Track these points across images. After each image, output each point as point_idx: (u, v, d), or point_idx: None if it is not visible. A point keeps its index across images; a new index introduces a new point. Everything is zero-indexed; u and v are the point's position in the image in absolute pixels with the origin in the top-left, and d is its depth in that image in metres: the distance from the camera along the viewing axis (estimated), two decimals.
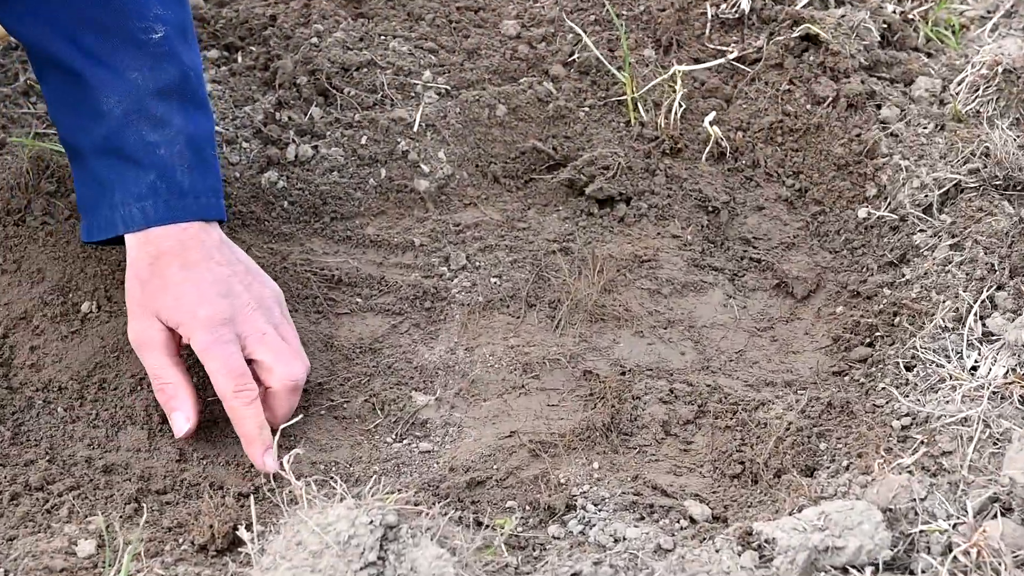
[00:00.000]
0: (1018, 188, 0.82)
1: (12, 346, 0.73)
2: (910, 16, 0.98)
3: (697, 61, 0.93)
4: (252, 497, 0.64)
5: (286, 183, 0.85)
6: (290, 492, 0.60)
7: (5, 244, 0.76)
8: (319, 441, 0.72)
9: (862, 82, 0.90)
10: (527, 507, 0.66)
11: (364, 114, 0.88)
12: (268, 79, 0.91)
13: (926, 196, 0.83)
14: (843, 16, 0.93)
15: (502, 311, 0.80)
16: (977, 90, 0.88)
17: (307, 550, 0.54)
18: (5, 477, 0.66)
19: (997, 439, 0.65)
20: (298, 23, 0.94)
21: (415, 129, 0.87)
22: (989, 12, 1.02)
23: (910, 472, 0.63)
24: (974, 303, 0.74)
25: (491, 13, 0.96)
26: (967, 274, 0.76)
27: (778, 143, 0.90)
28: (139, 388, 0.72)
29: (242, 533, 0.58)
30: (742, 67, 0.93)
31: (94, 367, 0.73)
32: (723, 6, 0.94)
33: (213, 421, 0.70)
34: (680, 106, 0.89)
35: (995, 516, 0.60)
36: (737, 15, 0.94)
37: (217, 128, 0.85)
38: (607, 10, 0.94)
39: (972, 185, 0.82)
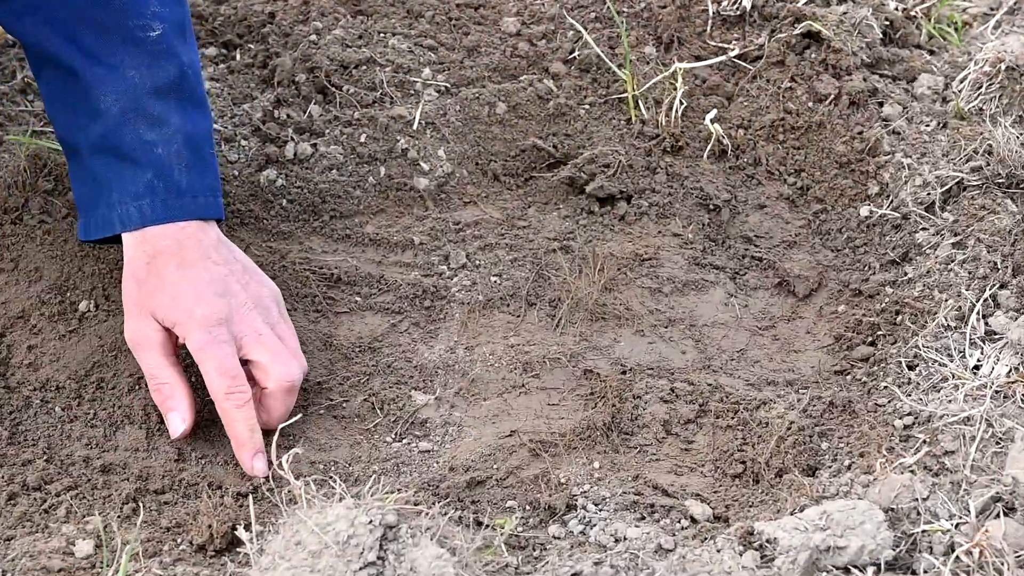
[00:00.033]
0: (1021, 186, 0.81)
1: (9, 345, 0.73)
2: (912, 13, 0.97)
3: (698, 58, 0.93)
4: (251, 497, 0.64)
5: (285, 181, 0.84)
6: (289, 492, 0.60)
7: (2, 243, 0.76)
8: (318, 440, 0.71)
9: (864, 79, 0.90)
10: (527, 507, 0.66)
11: (363, 112, 0.87)
12: (267, 77, 0.90)
13: (928, 194, 0.83)
14: (845, 13, 0.92)
15: (502, 310, 0.79)
16: (980, 87, 0.87)
17: (306, 550, 0.53)
18: (2, 477, 0.66)
19: (1000, 438, 0.65)
20: (297, 20, 0.93)
21: (415, 127, 0.87)
22: (992, 9, 1.02)
23: (912, 472, 0.63)
24: (977, 302, 0.74)
25: (491, 10, 0.96)
26: (970, 272, 0.76)
27: (780, 141, 0.89)
28: (137, 387, 0.72)
29: (241, 533, 0.58)
30: (743, 64, 0.92)
31: (92, 366, 0.72)
32: (724, 3, 0.94)
33: (211, 420, 0.70)
34: (681, 104, 0.89)
35: (998, 516, 0.60)
36: (738, 12, 0.94)
37: (215, 126, 0.85)
38: (608, 7, 0.94)
39: (975, 183, 0.81)
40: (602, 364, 0.76)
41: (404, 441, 0.72)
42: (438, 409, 0.74)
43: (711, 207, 0.87)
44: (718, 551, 0.59)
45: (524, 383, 0.75)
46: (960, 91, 0.89)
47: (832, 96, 0.89)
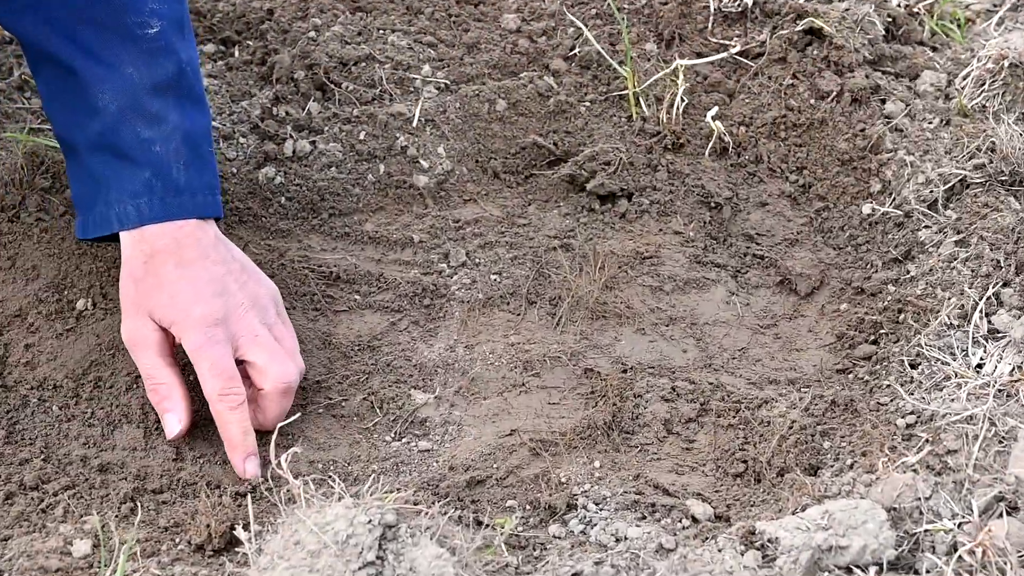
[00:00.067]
0: None
1: (7, 344, 0.72)
2: (915, 10, 0.97)
3: (699, 55, 0.92)
4: (249, 496, 0.63)
5: (284, 179, 0.84)
6: (288, 491, 0.59)
7: None
8: (317, 440, 0.71)
9: (866, 76, 0.89)
10: (527, 506, 0.66)
11: (362, 109, 0.87)
12: (265, 74, 0.90)
13: (931, 192, 0.82)
14: (847, 10, 0.92)
15: (502, 308, 0.79)
16: (983, 84, 0.87)
17: (305, 550, 0.53)
18: (0, 476, 0.66)
19: (1003, 437, 0.64)
20: (296, 17, 0.93)
21: (414, 124, 0.87)
22: (995, 5, 1.01)
23: (915, 471, 0.63)
24: (980, 300, 0.73)
25: (491, 7, 0.96)
26: (972, 271, 0.76)
27: (781, 138, 0.89)
28: (135, 386, 0.71)
29: (239, 533, 0.58)
30: (745, 61, 0.92)
31: (89, 365, 0.72)
32: (725, 0, 0.93)
33: (210, 420, 0.70)
34: (682, 101, 0.88)
35: (1000, 515, 0.60)
36: (740, 9, 0.93)
37: (214, 123, 0.84)
38: (608, 4, 0.93)
39: (978, 181, 0.81)
40: (603, 363, 0.76)
41: (403, 440, 0.72)
42: (438, 408, 0.73)
43: (712, 205, 0.86)
44: (719, 551, 0.58)
45: (524, 382, 0.74)
46: (963, 88, 0.88)
47: (834, 93, 0.88)
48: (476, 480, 0.67)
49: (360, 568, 0.53)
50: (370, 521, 0.54)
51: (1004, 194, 0.80)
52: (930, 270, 0.77)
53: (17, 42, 0.88)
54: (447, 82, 0.89)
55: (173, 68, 0.70)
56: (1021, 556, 0.57)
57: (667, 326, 0.79)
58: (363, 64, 0.90)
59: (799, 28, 0.91)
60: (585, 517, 0.65)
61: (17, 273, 0.75)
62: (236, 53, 0.92)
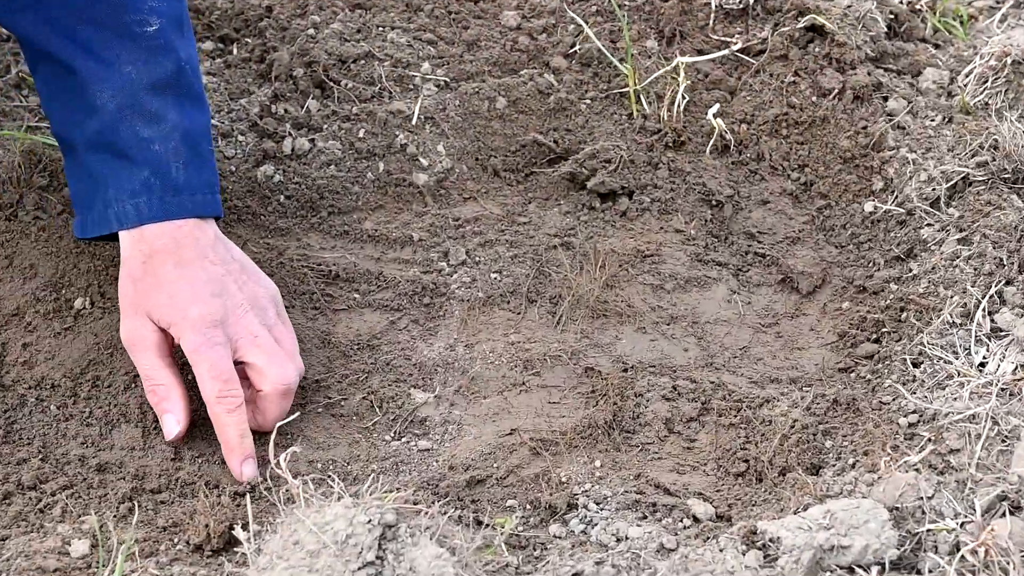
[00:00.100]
0: None
1: (4, 343, 0.72)
2: (917, 6, 0.96)
3: (700, 52, 0.92)
4: (248, 496, 0.63)
5: (282, 177, 0.84)
6: (287, 491, 0.59)
7: None
8: (316, 439, 0.71)
9: (868, 74, 0.89)
10: (528, 506, 0.66)
11: (362, 107, 0.87)
12: (264, 71, 0.89)
13: (933, 190, 0.82)
14: (849, 6, 0.91)
15: (502, 307, 0.79)
16: (986, 82, 0.86)
17: (304, 550, 0.53)
18: None
19: (1006, 436, 0.64)
20: (294, 14, 0.92)
21: (414, 122, 0.86)
22: (998, 2, 1.01)
23: (917, 470, 0.62)
24: (982, 298, 0.73)
25: (491, 4, 0.95)
26: (975, 269, 0.75)
27: (783, 136, 0.89)
28: (133, 385, 0.71)
29: (238, 532, 0.57)
30: (746, 58, 0.91)
31: (87, 364, 0.72)
32: None
33: (208, 420, 0.69)
34: (683, 98, 0.88)
35: (1003, 515, 0.59)
36: (741, 5, 0.93)
37: (212, 121, 0.84)
38: (609, 1, 0.93)
39: (980, 178, 0.81)
40: (603, 362, 0.75)
41: (403, 440, 0.71)
42: (438, 407, 0.73)
43: (714, 203, 0.86)
44: (721, 550, 0.58)
45: (524, 381, 0.74)
46: (965, 85, 0.88)
47: (836, 90, 0.88)
48: (476, 480, 0.67)
49: (360, 568, 0.52)
50: (370, 521, 0.53)
51: (1007, 192, 0.80)
52: (932, 268, 0.77)
53: (14, 40, 0.88)
54: (447, 79, 0.89)
55: (172, 66, 0.69)
56: None
57: (668, 325, 0.78)
58: (362, 61, 0.89)
59: (801, 25, 0.90)
60: (586, 517, 0.64)
61: (15, 272, 0.74)
62: (234, 51, 0.91)
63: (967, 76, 0.88)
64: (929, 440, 0.65)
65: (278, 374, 0.68)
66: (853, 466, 0.66)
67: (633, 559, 0.59)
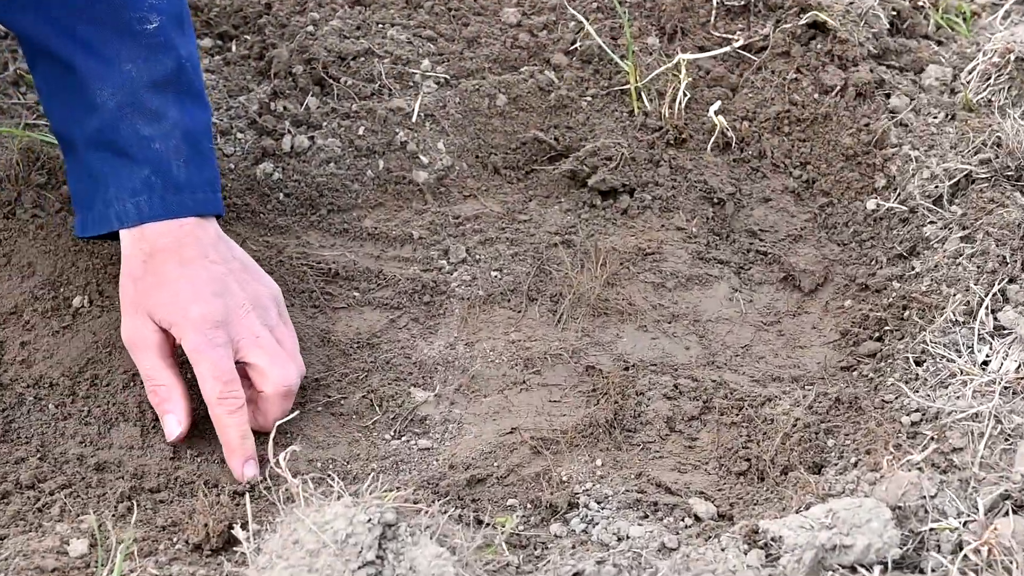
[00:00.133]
0: None
1: (2, 341, 0.72)
2: (920, 3, 0.96)
3: (702, 49, 0.91)
4: (247, 495, 0.63)
5: (282, 175, 0.83)
6: (286, 490, 0.59)
7: None
8: (316, 438, 0.71)
9: (871, 70, 0.89)
10: (528, 505, 0.66)
11: (361, 104, 0.86)
12: (263, 68, 0.89)
13: (936, 187, 0.81)
14: (851, 3, 0.91)
15: (503, 305, 0.78)
16: (989, 79, 0.86)
17: (304, 549, 0.53)
18: None
19: (1009, 435, 0.64)
20: (294, 11, 0.92)
21: (414, 119, 0.86)
22: None
23: (920, 469, 0.62)
24: (985, 296, 0.73)
25: (491, 0, 0.95)
26: (978, 267, 0.75)
27: (785, 133, 0.88)
28: (132, 384, 0.71)
29: (237, 532, 0.57)
30: (748, 55, 0.91)
31: (86, 363, 0.72)
32: None
33: (208, 419, 0.69)
34: (685, 95, 0.88)
35: (1007, 514, 0.59)
36: (743, 2, 0.93)
37: (211, 119, 0.83)
38: None
39: (983, 176, 0.80)
40: (604, 360, 0.75)
41: (403, 438, 0.71)
42: (438, 406, 0.73)
43: (715, 200, 0.86)
44: (722, 550, 0.58)
45: (525, 379, 0.74)
46: (968, 82, 0.87)
47: (838, 87, 0.88)
48: (476, 479, 0.67)
49: (360, 567, 0.52)
50: (369, 520, 0.53)
51: (1010, 189, 0.79)
52: (935, 266, 0.77)
53: (12, 37, 0.87)
54: (447, 77, 0.89)
55: (172, 64, 0.69)
56: None
57: (669, 323, 0.78)
58: (362, 59, 0.89)
59: (803, 22, 0.90)
60: (587, 516, 0.64)
61: (13, 270, 0.74)
62: (233, 48, 0.91)
63: (970, 73, 0.88)
64: (932, 439, 0.65)
65: (280, 375, 0.68)
66: (855, 465, 0.66)
67: (634, 558, 0.58)
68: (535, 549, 0.62)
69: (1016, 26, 0.93)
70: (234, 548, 0.61)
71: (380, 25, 0.92)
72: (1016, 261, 0.74)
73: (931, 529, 0.59)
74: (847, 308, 0.79)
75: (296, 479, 0.57)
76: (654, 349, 0.76)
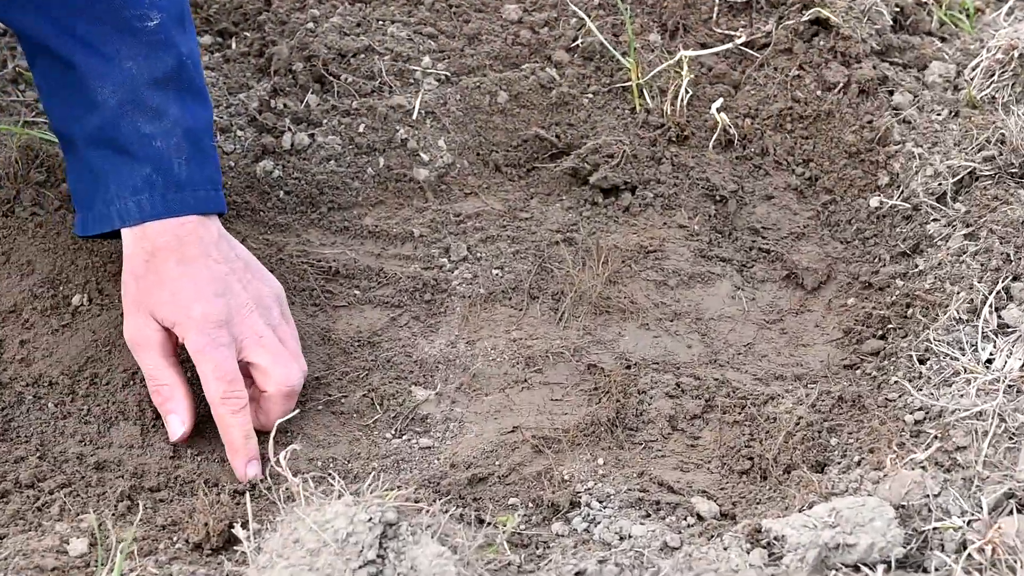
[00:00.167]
0: None
1: (1, 340, 0.72)
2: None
3: (704, 46, 0.91)
4: (248, 494, 0.63)
5: (282, 172, 0.83)
6: (287, 489, 0.59)
7: None
8: (316, 437, 0.70)
9: (874, 67, 0.88)
10: (530, 504, 0.65)
11: (362, 101, 0.86)
12: (263, 66, 0.89)
13: (940, 184, 0.81)
14: None
15: (504, 303, 0.78)
16: (992, 75, 0.86)
17: (304, 548, 0.53)
18: None
19: (1013, 434, 0.64)
20: (293, 8, 0.92)
21: (414, 117, 0.85)
22: None
23: (923, 468, 0.62)
24: (989, 294, 0.72)
25: None
26: (982, 264, 0.74)
27: (787, 130, 0.88)
28: (131, 383, 0.71)
29: (238, 531, 0.57)
30: (750, 52, 0.91)
31: (85, 361, 0.71)
32: None
33: (208, 417, 0.69)
34: (687, 92, 0.87)
35: (1011, 513, 0.59)
36: None
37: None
38: None
39: (987, 173, 0.80)
40: (606, 358, 0.75)
41: (404, 437, 0.71)
42: (439, 405, 0.72)
43: (717, 198, 0.85)
44: (725, 549, 0.57)
45: (526, 378, 0.74)
46: (972, 79, 0.87)
47: (841, 84, 0.87)
48: (478, 477, 0.67)
49: (360, 567, 0.52)
50: (370, 519, 0.53)
51: (1014, 186, 0.79)
52: (939, 264, 0.76)
53: (11, 34, 0.87)
54: (447, 74, 0.88)
55: (173, 61, 0.69)
56: None
57: (671, 321, 0.78)
58: (362, 56, 0.88)
59: (805, 18, 0.89)
60: (588, 515, 0.64)
61: (12, 268, 0.74)
62: (233, 45, 0.91)
63: (974, 70, 0.87)
64: (935, 437, 0.64)
65: (283, 375, 0.68)
66: (859, 464, 0.65)
67: (636, 558, 0.58)
68: (537, 548, 0.62)
69: (1020, 22, 0.92)
70: (234, 547, 0.60)
71: (380, 22, 0.92)
72: (1020, 259, 0.74)
73: (935, 528, 0.58)
74: (850, 306, 0.79)
75: (297, 478, 0.57)
76: (656, 347, 0.76)
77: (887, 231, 0.82)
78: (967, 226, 0.78)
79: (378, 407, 0.72)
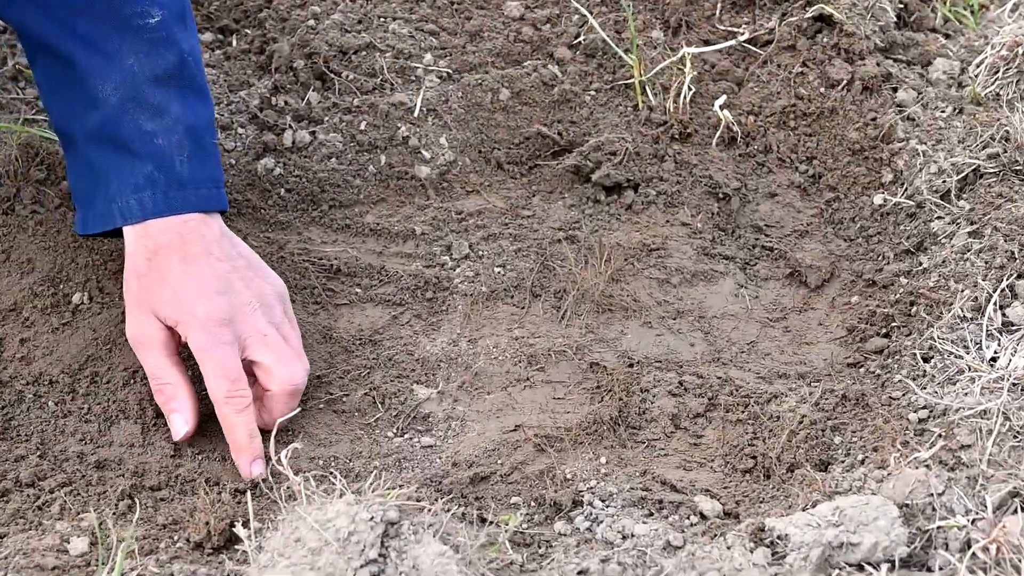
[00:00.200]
0: None
1: (1, 338, 0.71)
2: None
3: (707, 43, 0.91)
4: (249, 493, 0.63)
5: (283, 170, 0.83)
6: (288, 488, 0.58)
7: None
8: (318, 435, 0.70)
9: (877, 64, 0.88)
10: (532, 503, 0.65)
11: (363, 99, 0.85)
12: (264, 63, 0.88)
13: (944, 182, 0.81)
14: None
15: (506, 301, 0.78)
16: (997, 72, 0.85)
17: (306, 547, 0.52)
18: None
19: (1017, 432, 0.63)
20: (294, 5, 0.91)
21: (416, 114, 0.85)
22: None
23: (927, 466, 0.61)
24: (993, 292, 0.72)
25: None
26: (986, 262, 0.74)
27: (791, 128, 0.87)
28: (132, 381, 0.70)
29: (239, 530, 0.57)
30: (754, 49, 0.90)
31: (86, 360, 0.71)
32: None
33: (209, 416, 0.69)
34: (689, 89, 0.87)
35: (1015, 511, 0.59)
36: None
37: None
38: None
39: (991, 170, 0.80)
40: (609, 357, 0.75)
41: (406, 436, 0.71)
42: (441, 403, 0.72)
43: (720, 196, 0.85)
44: (728, 548, 0.57)
45: (529, 376, 0.73)
46: (976, 76, 0.87)
47: (845, 81, 0.87)
48: (480, 476, 0.67)
49: (362, 566, 0.52)
50: (372, 518, 0.53)
51: (1018, 184, 0.79)
52: (943, 262, 0.76)
53: (11, 31, 0.87)
54: (449, 71, 0.88)
55: (174, 58, 0.68)
56: None
57: (674, 319, 0.78)
58: (364, 53, 0.88)
59: (809, 15, 0.89)
60: (591, 514, 0.64)
61: (12, 266, 0.74)
62: (234, 42, 0.90)
63: (978, 66, 0.87)
64: (940, 436, 0.64)
65: (287, 374, 0.68)
66: (862, 462, 0.65)
67: (639, 557, 0.58)
68: (539, 547, 0.62)
69: None
70: (236, 546, 0.60)
71: (382, 19, 0.91)
72: None
73: (939, 527, 0.58)
74: (854, 304, 0.79)
75: (298, 477, 0.57)
76: (659, 346, 0.76)
77: (891, 229, 0.82)
78: (971, 224, 0.77)
79: (380, 406, 0.72)
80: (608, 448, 0.69)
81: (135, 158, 0.68)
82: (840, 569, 0.57)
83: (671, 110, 0.87)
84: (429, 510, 0.55)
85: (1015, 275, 0.73)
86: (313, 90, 0.86)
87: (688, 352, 0.76)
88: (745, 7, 0.92)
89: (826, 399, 0.71)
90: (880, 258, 0.81)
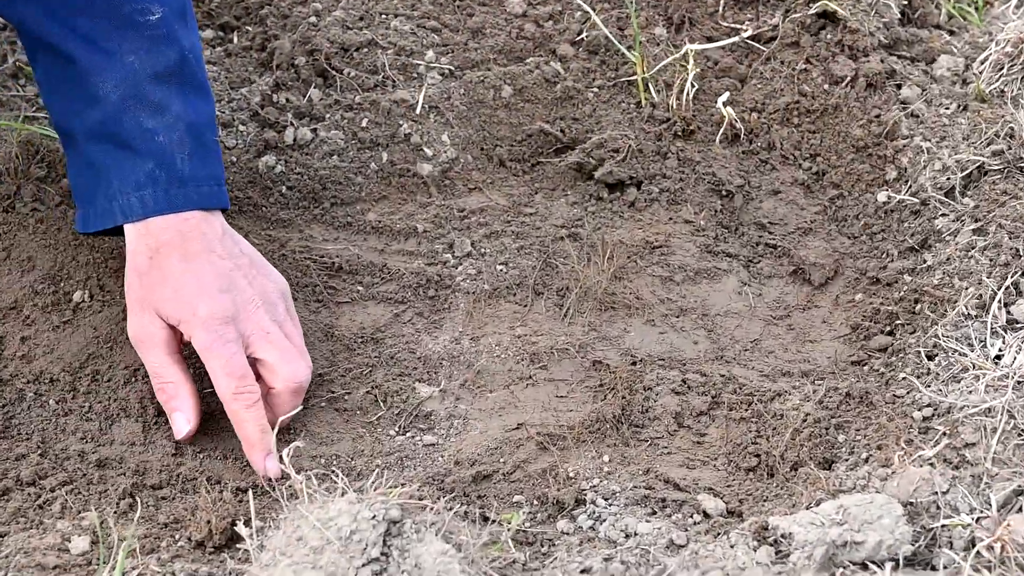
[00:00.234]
0: None
1: (2, 337, 0.71)
2: None
3: (710, 40, 0.90)
4: (251, 492, 0.62)
5: (284, 167, 0.82)
6: (290, 486, 0.58)
7: None
8: (320, 434, 0.70)
9: (882, 61, 0.87)
10: (535, 501, 0.65)
11: (365, 96, 0.85)
12: (265, 60, 0.88)
13: (948, 179, 0.80)
14: None
15: (508, 299, 0.78)
16: (1001, 69, 0.85)
17: (308, 546, 0.52)
18: None
19: (1022, 430, 0.63)
20: (296, 1, 0.91)
21: (418, 111, 0.85)
22: None
23: (932, 464, 0.61)
24: (998, 289, 0.72)
25: None
26: (991, 259, 0.74)
27: (794, 124, 0.87)
28: (133, 380, 0.70)
29: (240, 529, 0.57)
30: (757, 46, 0.90)
31: (87, 358, 0.71)
32: None
33: (210, 414, 0.69)
34: (692, 86, 0.87)
35: (1020, 510, 0.59)
36: None
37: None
38: None
39: (996, 167, 0.79)
40: (612, 355, 0.74)
41: (408, 434, 0.70)
42: (443, 401, 0.72)
43: (724, 193, 0.85)
44: (731, 546, 0.57)
45: (531, 374, 0.73)
46: (981, 72, 0.86)
47: (848, 78, 0.86)
48: (482, 475, 0.66)
49: (364, 564, 0.51)
50: (374, 516, 0.53)
51: (1023, 181, 0.78)
52: (947, 259, 0.76)
53: (11, 29, 0.87)
54: (451, 68, 0.88)
55: (175, 56, 0.68)
56: None
57: (677, 317, 0.77)
58: (365, 50, 0.88)
59: (812, 11, 0.89)
60: (594, 512, 0.63)
61: (12, 265, 0.73)
62: (235, 39, 0.90)
63: (982, 63, 0.87)
64: (944, 434, 0.64)
65: (290, 371, 0.68)
66: (866, 460, 0.65)
67: (642, 555, 0.58)
68: (542, 546, 0.62)
69: None
70: (237, 545, 0.60)
71: (383, 16, 0.91)
72: None
73: (943, 525, 0.58)
74: (858, 302, 0.79)
75: (300, 475, 0.56)
76: (662, 343, 0.75)
77: (895, 226, 0.82)
78: (976, 221, 0.77)
79: (382, 404, 0.72)
80: (611, 446, 0.69)
81: (136, 156, 0.68)
82: (844, 568, 0.56)
83: (674, 107, 0.86)
84: (431, 509, 0.55)
85: (1020, 272, 0.73)
86: (314, 87, 0.86)
87: (691, 350, 0.75)
88: (748, 3, 0.92)
89: (830, 397, 0.71)
90: (884, 255, 0.81)
